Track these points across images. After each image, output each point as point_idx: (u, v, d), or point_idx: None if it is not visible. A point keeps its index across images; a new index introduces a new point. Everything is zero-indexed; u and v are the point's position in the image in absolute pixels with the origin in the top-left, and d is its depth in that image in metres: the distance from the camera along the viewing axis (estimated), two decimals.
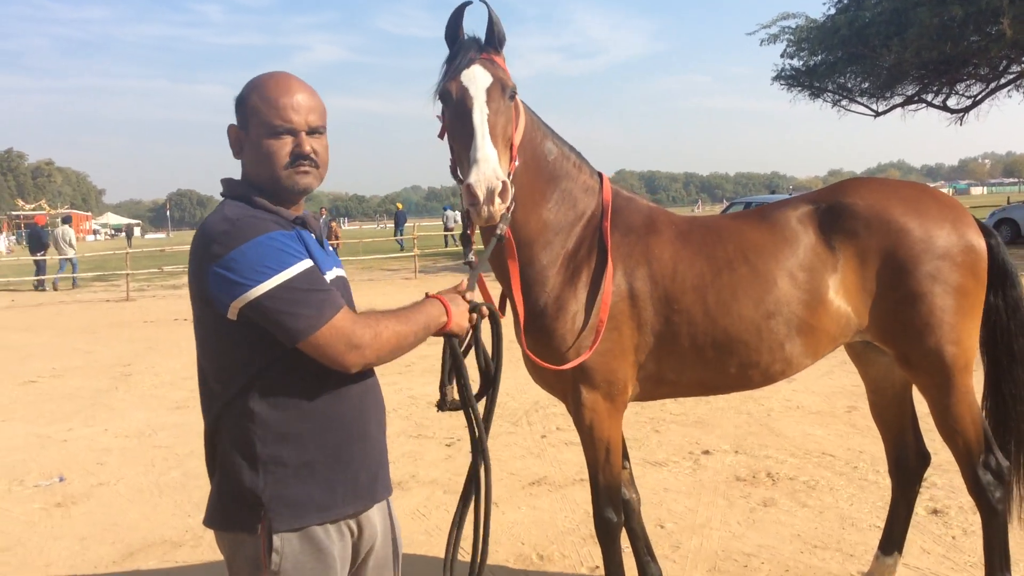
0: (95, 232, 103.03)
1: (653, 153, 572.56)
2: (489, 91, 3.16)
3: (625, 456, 4.07)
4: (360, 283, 23.77)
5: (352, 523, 2.34)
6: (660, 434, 7.35)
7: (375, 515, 2.43)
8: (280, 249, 2.15)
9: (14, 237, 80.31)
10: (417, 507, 5.82)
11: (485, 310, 2.78)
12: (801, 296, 3.66)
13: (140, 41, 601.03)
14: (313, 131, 2.35)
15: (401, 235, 40.94)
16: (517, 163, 3.29)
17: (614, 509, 3.72)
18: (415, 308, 2.43)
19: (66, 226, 29.78)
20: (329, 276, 2.34)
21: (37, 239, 29.32)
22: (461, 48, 3.26)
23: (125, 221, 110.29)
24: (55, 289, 27.43)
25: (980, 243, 3.77)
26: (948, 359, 3.67)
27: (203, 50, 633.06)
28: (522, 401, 8.57)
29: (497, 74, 3.22)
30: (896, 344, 3.77)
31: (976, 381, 3.82)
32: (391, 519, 2.54)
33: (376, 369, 2.56)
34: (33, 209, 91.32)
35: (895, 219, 3.70)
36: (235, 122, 2.38)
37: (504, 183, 3.00)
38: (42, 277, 28.00)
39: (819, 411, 7.88)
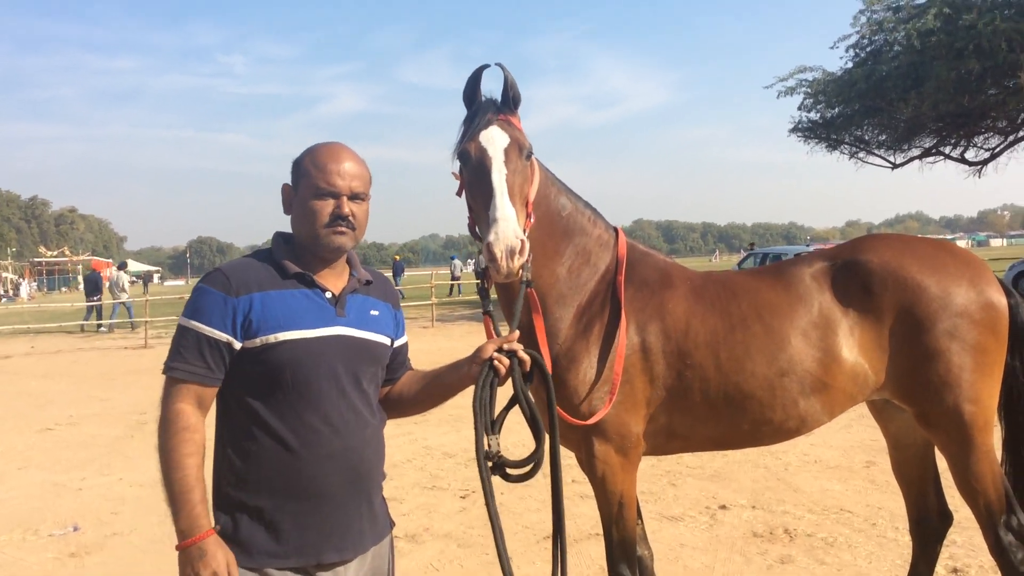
0: None
1: (671, 203, 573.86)
2: (507, 151, 3.24)
3: (638, 513, 4.03)
4: None
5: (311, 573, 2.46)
6: (676, 488, 7.28)
7: (347, 572, 2.52)
8: (198, 303, 2.44)
9: (35, 284, 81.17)
10: (430, 561, 5.77)
11: (524, 356, 2.79)
12: (815, 354, 3.65)
13: (168, 91, 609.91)
14: (355, 197, 2.55)
15: (398, 286, 41.71)
16: (532, 220, 3.34)
17: (628, 565, 3.68)
18: (191, 489, 2.31)
19: (121, 272, 31.55)
20: (319, 332, 2.48)
21: (94, 284, 30.95)
22: (479, 110, 3.33)
23: (145, 268, 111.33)
24: (109, 331, 28.82)
25: (1000, 300, 3.73)
26: (967, 418, 3.63)
27: (228, 99, 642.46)
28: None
29: (514, 135, 3.28)
30: (914, 402, 3.74)
31: (996, 439, 3.77)
32: None
33: (389, 421, 2.65)
34: (56, 256, 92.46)
35: (911, 276, 3.69)
36: (288, 181, 2.61)
37: (522, 241, 3.07)
38: (101, 322, 29.30)
39: (837, 466, 7.80)
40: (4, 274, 79.52)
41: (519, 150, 3.28)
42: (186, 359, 2.38)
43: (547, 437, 2.85)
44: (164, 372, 2.42)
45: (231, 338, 2.40)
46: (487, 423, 2.76)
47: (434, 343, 19.82)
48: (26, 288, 72.69)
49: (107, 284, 31.37)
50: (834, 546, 5.70)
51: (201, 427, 2.38)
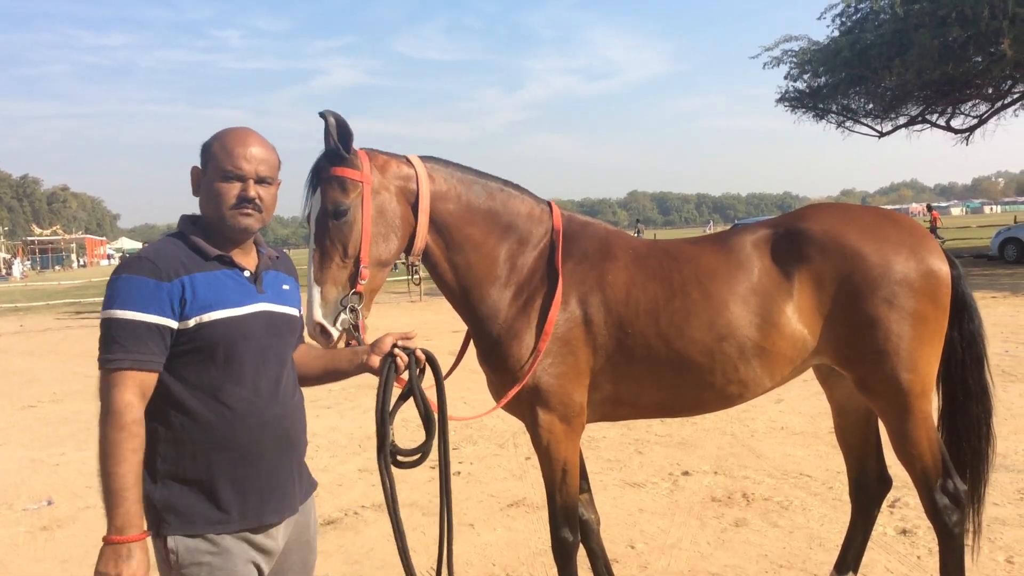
0: (109, 257, 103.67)
1: (666, 173, 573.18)
2: (319, 220, 3.40)
3: (585, 479, 4.13)
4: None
5: (252, 536, 2.53)
6: (643, 455, 7.40)
7: (278, 532, 2.62)
8: (128, 292, 2.42)
9: (28, 263, 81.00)
10: None
11: (421, 355, 2.95)
12: (753, 320, 3.70)
13: (161, 67, 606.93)
14: (261, 180, 2.62)
15: None
16: (367, 271, 3.40)
17: (570, 529, 3.78)
18: (132, 487, 2.33)
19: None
20: (246, 310, 2.56)
21: None
22: (312, 171, 3.48)
23: (140, 246, 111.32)
24: None
25: (942, 269, 3.75)
26: (904, 385, 3.67)
27: (223, 75, 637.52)
28: (511, 423, 8.60)
29: (329, 195, 3.39)
30: (853, 368, 3.79)
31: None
32: (309, 534, 2.80)
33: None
34: (49, 235, 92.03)
35: (850, 244, 3.72)
36: (198, 164, 2.67)
37: (321, 326, 3.29)
38: None
39: (803, 432, 7.91)
40: None
41: (327, 214, 3.37)
42: (127, 348, 2.36)
43: (437, 432, 3.04)
44: (104, 367, 2.37)
45: (170, 321, 2.43)
46: (388, 414, 2.92)
47: (421, 317, 20.18)
48: (19, 267, 72.46)
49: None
50: (789, 509, 5.82)
51: (143, 422, 2.38)
